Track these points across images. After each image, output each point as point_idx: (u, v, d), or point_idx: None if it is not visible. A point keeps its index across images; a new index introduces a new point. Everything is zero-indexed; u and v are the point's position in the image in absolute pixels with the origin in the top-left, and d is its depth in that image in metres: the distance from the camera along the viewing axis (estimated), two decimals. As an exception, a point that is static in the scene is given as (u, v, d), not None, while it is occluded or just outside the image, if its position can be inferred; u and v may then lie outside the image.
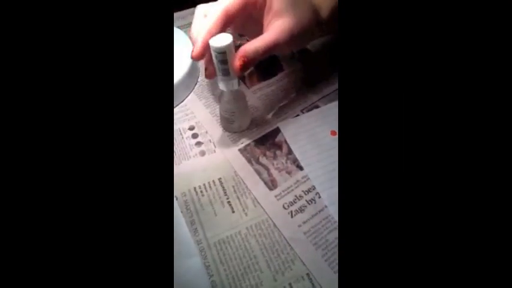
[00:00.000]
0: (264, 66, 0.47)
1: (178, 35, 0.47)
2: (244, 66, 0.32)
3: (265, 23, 0.35)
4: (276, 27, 0.34)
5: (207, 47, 0.31)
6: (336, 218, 0.33)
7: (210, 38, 0.31)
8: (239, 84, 0.35)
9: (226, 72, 0.33)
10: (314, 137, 0.39)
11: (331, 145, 0.38)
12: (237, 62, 0.32)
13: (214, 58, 0.32)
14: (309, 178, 0.36)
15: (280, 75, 0.46)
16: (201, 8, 0.36)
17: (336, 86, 0.44)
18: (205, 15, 0.35)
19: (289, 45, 0.35)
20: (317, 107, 0.42)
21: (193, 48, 0.32)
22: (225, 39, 0.31)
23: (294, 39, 0.34)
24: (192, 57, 0.32)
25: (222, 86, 0.35)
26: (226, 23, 0.33)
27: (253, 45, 0.33)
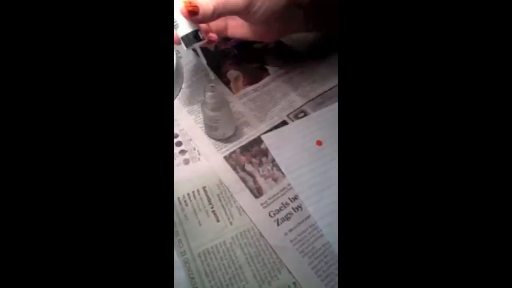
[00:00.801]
0: (249, 71, 0.46)
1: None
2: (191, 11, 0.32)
3: None
4: None
5: None
6: (322, 228, 0.33)
7: None
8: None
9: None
10: (299, 149, 0.38)
11: (316, 156, 0.37)
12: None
13: None
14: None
15: (266, 80, 0.45)
16: None
17: (322, 89, 0.44)
18: None
19: (251, 14, 0.34)
20: (304, 111, 0.42)
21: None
22: None
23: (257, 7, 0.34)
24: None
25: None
26: None
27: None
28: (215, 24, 0.39)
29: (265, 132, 0.40)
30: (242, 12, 0.34)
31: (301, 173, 0.36)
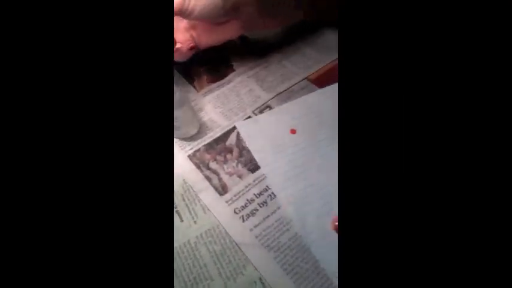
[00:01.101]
0: (213, 67, 0.46)
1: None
2: None
3: None
4: None
5: None
6: (291, 218, 0.33)
7: None
8: None
9: None
10: (273, 137, 0.38)
11: (291, 143, 0.38)
12: None
13: None
14: (260, 180, 0.35)
15: (230, 76, 0.45)
16: None
17: (288, 84, 0.44)
18: None
19: (188, 14, 0.36)
20: (269, 106, 0.42)
21: None
22: None
23: None
24: None
25: None
26: None
27: None
28: (181, 38, 0.40)
29: (233, 129, 0.40)
30: (179, 12, 0.36)
31: (275, 159, 0.37)
